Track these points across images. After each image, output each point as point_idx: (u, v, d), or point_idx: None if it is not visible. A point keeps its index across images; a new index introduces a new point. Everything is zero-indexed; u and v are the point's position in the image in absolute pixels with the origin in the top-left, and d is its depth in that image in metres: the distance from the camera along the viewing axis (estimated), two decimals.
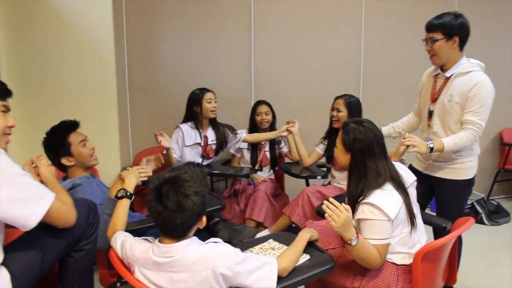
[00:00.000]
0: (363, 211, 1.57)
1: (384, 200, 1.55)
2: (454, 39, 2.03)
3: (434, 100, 2.17)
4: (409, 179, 1.75)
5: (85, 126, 2.07)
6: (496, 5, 3.86)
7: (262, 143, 3.12)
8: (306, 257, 1.53)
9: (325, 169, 2.95)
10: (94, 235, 1.45)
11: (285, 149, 3.17)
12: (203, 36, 3.25)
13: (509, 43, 3.97)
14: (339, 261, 1.73)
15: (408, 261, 1.63)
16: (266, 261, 1.33)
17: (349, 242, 1.48)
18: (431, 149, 1.98)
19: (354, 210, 1.61)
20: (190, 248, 1.25)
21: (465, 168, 2.12)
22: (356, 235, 1.49)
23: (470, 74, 2.03)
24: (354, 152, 1.65)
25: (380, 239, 1.54)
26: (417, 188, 1.81)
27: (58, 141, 1.90)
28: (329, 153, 2.84)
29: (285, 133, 2.91)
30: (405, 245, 1.63)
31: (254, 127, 3.13)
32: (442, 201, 2.21)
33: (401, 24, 3.61)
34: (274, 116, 3.12)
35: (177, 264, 1.24)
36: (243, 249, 1.62)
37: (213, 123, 2.94)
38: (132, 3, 3.06)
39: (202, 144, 2.86)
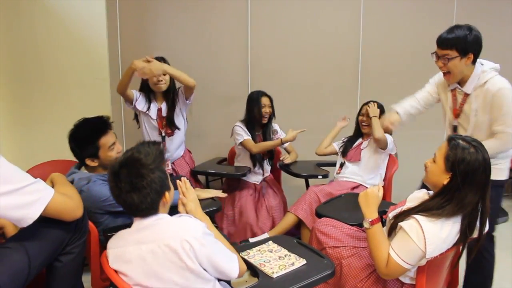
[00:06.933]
0: (410, 224, 1.43)
1: (435, 235, 1.40)
2: (468, 56, 1.93)
3: (457, 115, 2.12)
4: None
5: None
6: (496, 3, 3.80)
7: (258, 134, 2.97)
8: (302, 261, 1.47)
9: (325, 167, 2.92)
10: (82, 239, 1.40)
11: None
12: (199, 30, 3.19)
13: (509, 42, 3.91)
14: (349, 260, 1.69)
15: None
16: (229, 250, 1.34)
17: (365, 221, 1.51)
18: None
19: (408, 215, 1.48)
20: (161, 222, 1.27)
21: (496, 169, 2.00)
22: (372, 219, 1.49)
23: (488, 83, 1.95)
24: (455, 174, 1.43)
25: (401, 259, 1.42)
26: None
27: (87, 145, 1.81)
28: (345, 147, 2.88)
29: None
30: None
31: (252, 120, 2.91)
32: None
33: (400, 20, 3.56)
34: (273, 110, 2.99)
35: (147, 236, 1.24)
36: (241, 251, 1.57)
37: (167, 94, 2.63)
38: None
39: (155, 118, 2.60)
